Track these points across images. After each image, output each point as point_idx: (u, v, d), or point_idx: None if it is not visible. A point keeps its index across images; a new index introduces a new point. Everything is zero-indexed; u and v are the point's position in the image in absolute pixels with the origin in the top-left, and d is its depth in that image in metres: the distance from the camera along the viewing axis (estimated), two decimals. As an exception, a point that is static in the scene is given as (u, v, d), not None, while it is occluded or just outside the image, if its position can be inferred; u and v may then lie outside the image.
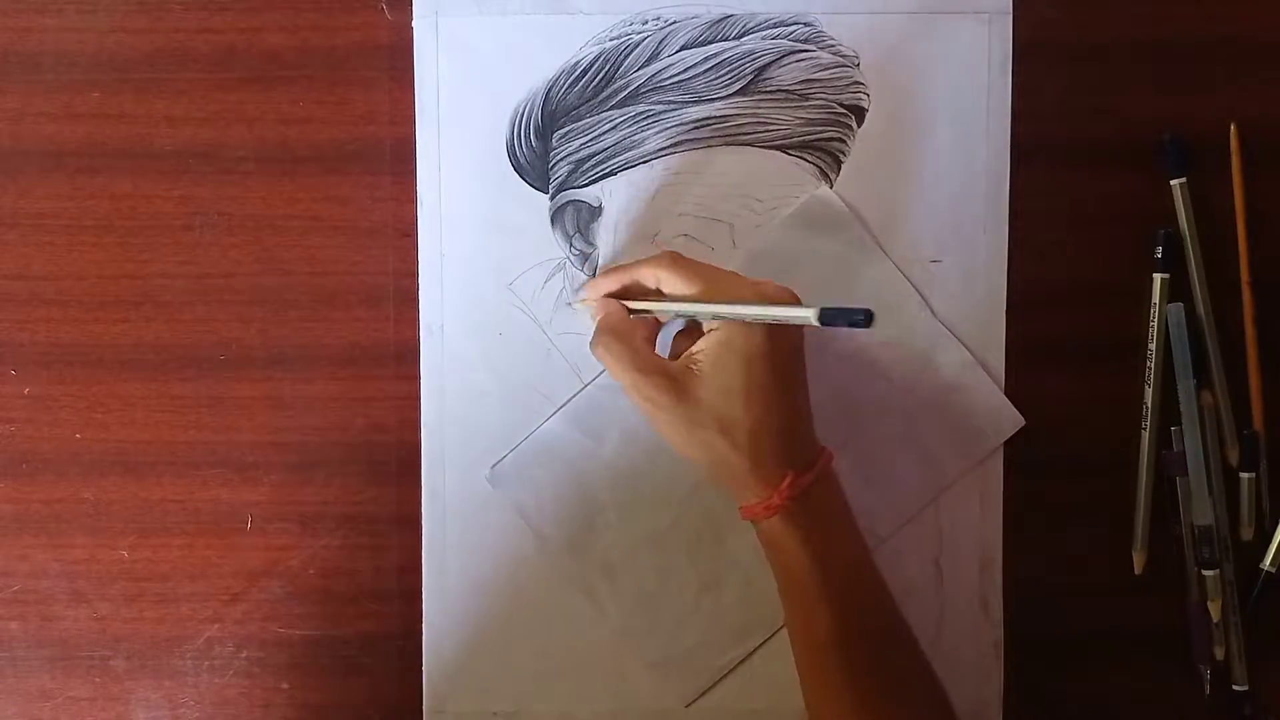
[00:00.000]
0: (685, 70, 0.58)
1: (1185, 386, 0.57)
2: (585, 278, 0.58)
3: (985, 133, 0.58)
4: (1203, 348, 0.58)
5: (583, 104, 0.58)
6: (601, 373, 0.58)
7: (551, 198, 0.58)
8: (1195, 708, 0.59)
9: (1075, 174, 0.58)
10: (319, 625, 0.59)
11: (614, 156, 0.58)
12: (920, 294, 0.58)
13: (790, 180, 0.58)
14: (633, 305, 0.54)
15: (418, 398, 0.58)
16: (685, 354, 0.51)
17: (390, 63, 0.58)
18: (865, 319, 0.43)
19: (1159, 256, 0.58)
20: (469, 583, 0.59)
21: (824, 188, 0.58)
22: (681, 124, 0.58)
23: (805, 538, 0.50)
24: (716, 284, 0.51)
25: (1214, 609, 0.58)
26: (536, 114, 0.58)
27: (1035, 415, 0.58)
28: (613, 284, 0.55)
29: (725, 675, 0.58)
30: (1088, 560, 0.59)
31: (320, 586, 0.59)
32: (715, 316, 0.50)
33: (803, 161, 0.58)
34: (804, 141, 0.58)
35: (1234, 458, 0.58)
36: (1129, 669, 0.59)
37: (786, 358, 0.51)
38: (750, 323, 0.49)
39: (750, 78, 0.58)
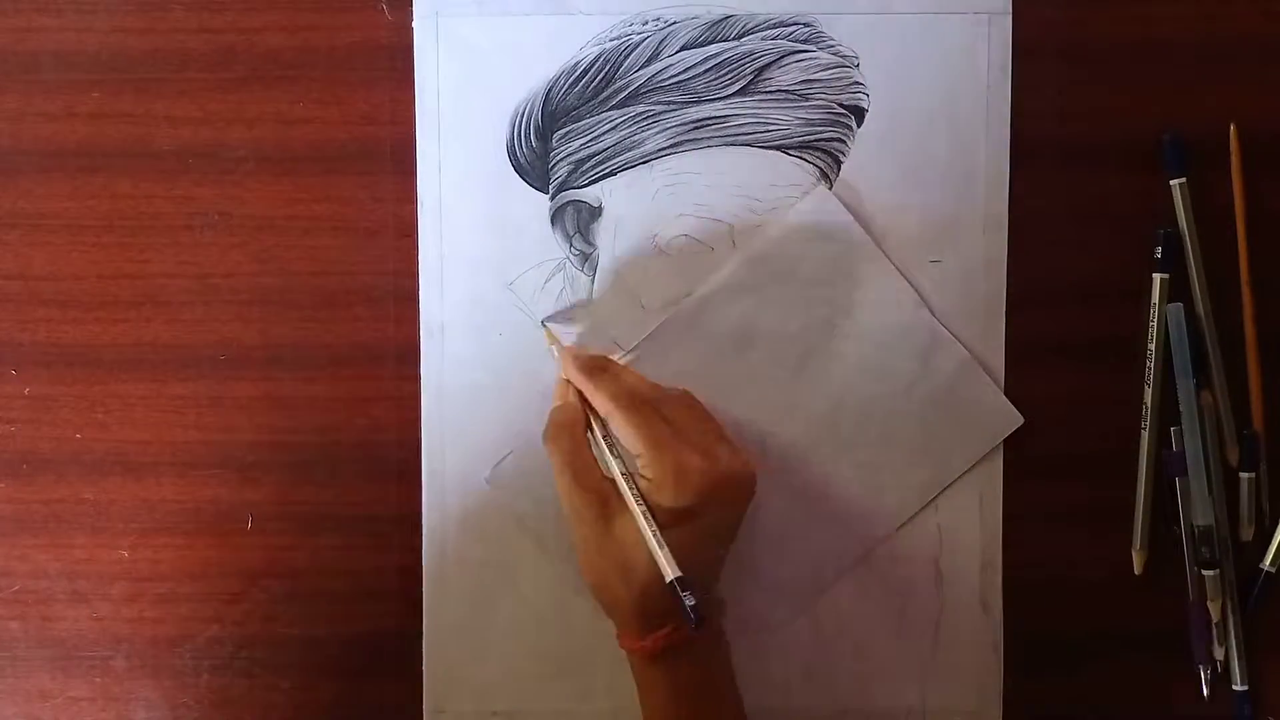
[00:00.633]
0: (685, 70, 0.58)
1: (1185, 386, 0.57)
2: (586, 278, 0.58)
3: (985, 133, 0.58)
4: (1203, 348, 0.58)
5: (583, 104, 0.58)
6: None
7: (551, 198, 0.58)
8: (1195, 708, 0.59)
9: (1075, 174, 0.58)
10: (319, 625, 0.59)
11: (614, 157, 0.58)
12: (920, 294, 0.58)
13: (790, 180, 0.58)
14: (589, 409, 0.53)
15: (418, 398, 0.58)
16: (629, 473, 0.51)
17: (390, 63, 0.58)
18: (695, 621, 0.47)
19: (1159, 256, 0.58)
20: (469, 583, 0.59)
21: (824, 188, 0.58)
22: (681, 124, 0.58)
23: (673, 688, 0.51)
24: (671, 435, 0.50)
25: (1214, 609, 0.58)
26: (537, 114, 0.58)
27: (1035, 415, 0.58)
28: (581, 377, 0.53)
29: (725, 675, 0.58)
30: (1088, 560, 0.59)
31: (320, 586, 0.59)
32: (622, 475, 0.51)
33: (803, 161, 0.58)
34: (804, 141, 0.58)
35: (1234, 458, 0.58)
36: (1129, 669, 0.59)
37: (718, 519, 0.51)
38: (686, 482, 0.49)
39: (750, 78, 0.58)
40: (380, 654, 0.59)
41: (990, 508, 0.58)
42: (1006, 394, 0.58)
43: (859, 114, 0.58)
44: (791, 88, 0.58)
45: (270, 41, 0.58)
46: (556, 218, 0.58)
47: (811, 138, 0.58)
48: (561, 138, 0.58)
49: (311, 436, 0.59)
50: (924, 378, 0.58)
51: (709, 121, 0.58)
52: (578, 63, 0.58)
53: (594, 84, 0.58)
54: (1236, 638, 0.58)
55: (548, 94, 0.58)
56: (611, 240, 0.58)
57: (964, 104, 0.58)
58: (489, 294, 0.58)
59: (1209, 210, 0.58)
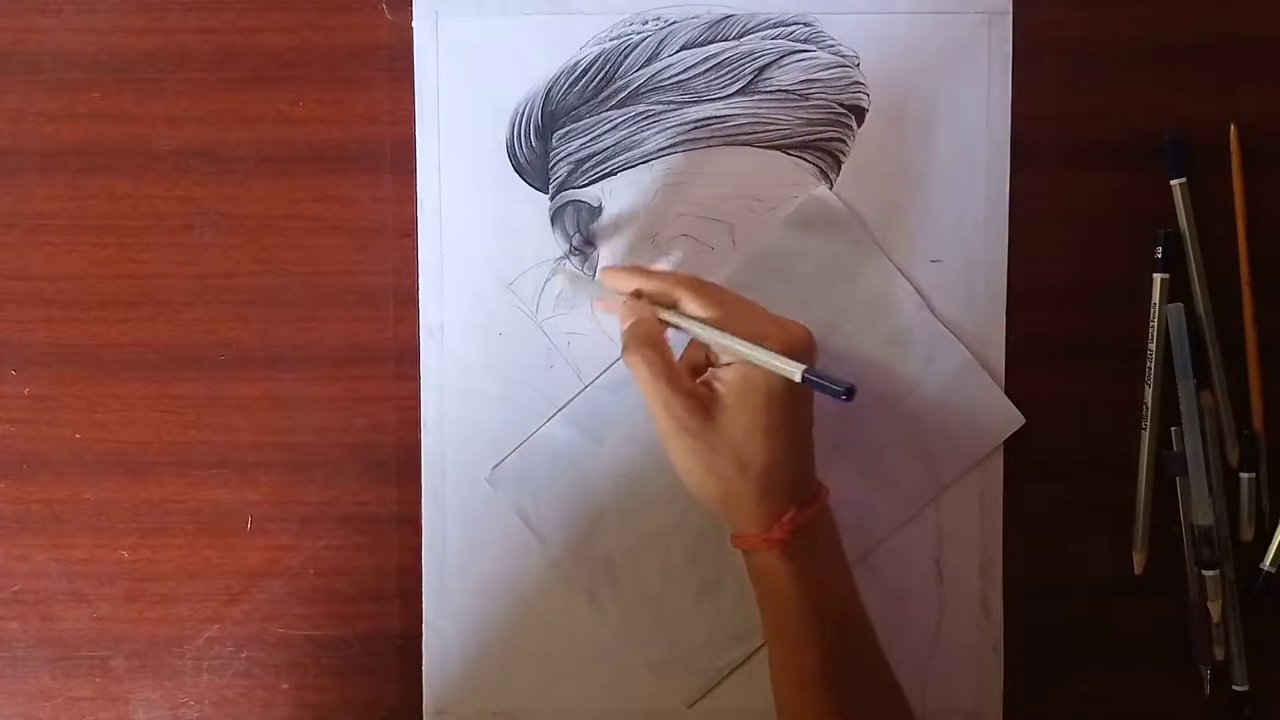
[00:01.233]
0: (685, 70, 0.58)
1: (1185, 386, 0.57)
2: (586, 279, 0.58)
3: (985, 133, 0.58)
4: (1203, 348, 0.58)
5: (583, 104, 0.58)
6: (602, 373, 0.58)
7: (551, 198, 0.58)
8: (1195, 708, 0.59)
9: (1075, 174, 0.58)
10: (319, 625, 0.59)
11: (614, 156, 0.58)
12: (920, 294, 0.58)
13: (790, 180, 0.58)
14: (663, 315, 0.53)
15: (418, 398, 0.58)
16: (704, 378, 0.51)
17: (390, 63, 0.58)
18: (847, 393, 0.45)
19: (1159, 256, 0.58)
20: (469, 583, 0.59)
21: (824, 188, 0.58)
22: (681, 124, 0.58)
23: (799, 574, 0.50)
24: (736, 312, 0.51)
25: (1214, 609, 0.58)
26: (536, 114, 0.58)
27: (1035, 415, 0.58)
28: (634, 283, 0.54)
29: (726, 676, 0.58)
30: (1088, 560, 0.59)
31: (320, 586, 0.59)
32: (720, 346, 0.50)
33: (803, 161, 0.58)
34: (804, 141, 0.58)
35: (1234, 458, 0.58)
36: (1129, 669, 0.59)
37: (802, 397, 0.51)
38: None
39: (750, 78, 0.58)
40: (380, 654, 0.59)
41: (990, 508, 0.58)
42: (1007, 394, 0.58)
43: (859, 114, 0.58)
44: (791, 87, 0.58)
45: (270, 41, 0.58)
46: (556, 217, 0.58)
47: (811, 137, 0.58)
48: (561, 137, 0.58)
49: (311, 436, 0.59)
50: (924, 378, 0.58)
51: (709, 121, 0.58)
52: (578, 62, 0.58)
53: (594, 84, 0.58)
54: (1236, 638, 0.58)
55: (548, 94, 0.58)
56: (611, 240, 0.58)
57: (964, 104, 0.58)
58: (489, 294, 0.58)
59: (1209, 210, 0.58)
